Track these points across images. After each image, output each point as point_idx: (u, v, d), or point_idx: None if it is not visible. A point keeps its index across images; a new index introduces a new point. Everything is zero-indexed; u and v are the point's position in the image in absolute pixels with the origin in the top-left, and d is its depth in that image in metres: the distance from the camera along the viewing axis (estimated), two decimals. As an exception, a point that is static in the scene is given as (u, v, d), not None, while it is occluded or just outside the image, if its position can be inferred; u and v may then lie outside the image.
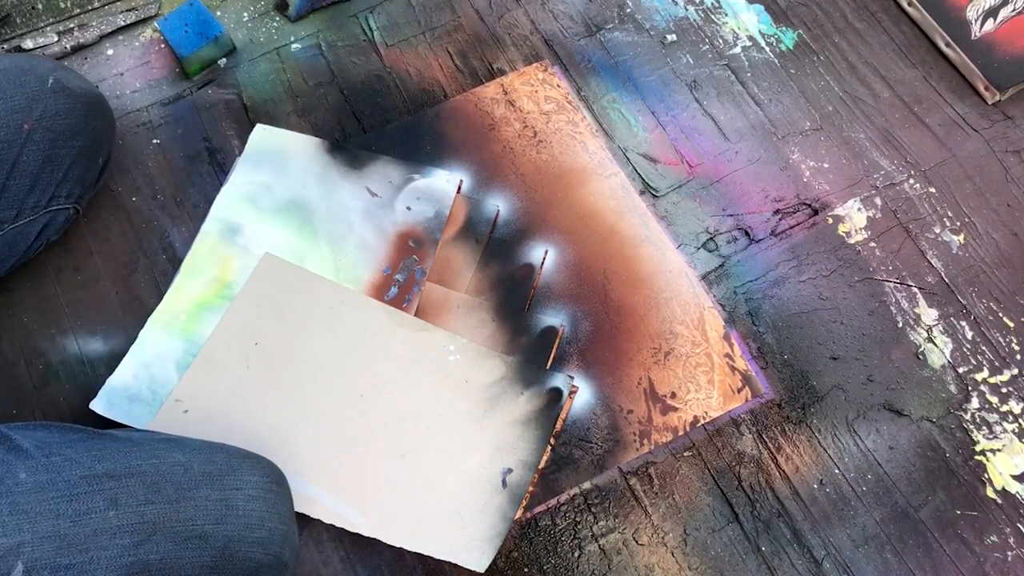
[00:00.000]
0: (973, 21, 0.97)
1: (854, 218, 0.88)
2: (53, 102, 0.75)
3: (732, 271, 0.85)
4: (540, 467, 0.76)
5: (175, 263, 0.83)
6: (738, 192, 0.89)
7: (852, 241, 0.87)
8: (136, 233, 0.86)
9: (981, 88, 0.95)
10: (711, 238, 0.87)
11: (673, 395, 0.79)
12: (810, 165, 0.91)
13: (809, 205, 0.89)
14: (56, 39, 0.93)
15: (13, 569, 0.51)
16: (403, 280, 0.83)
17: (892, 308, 0.84)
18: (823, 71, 0.97)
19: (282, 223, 0.85)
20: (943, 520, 0.76)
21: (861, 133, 0.93)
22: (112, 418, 0.75)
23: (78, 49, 0.94)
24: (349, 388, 0.77)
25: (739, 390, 0.79)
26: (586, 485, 0.76)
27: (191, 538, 0.56)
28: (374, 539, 0.73)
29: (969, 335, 0.83)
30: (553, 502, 0.75)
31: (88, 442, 0.58)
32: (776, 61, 0.97)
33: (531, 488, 0.75)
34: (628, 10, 1.00)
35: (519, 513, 0.74)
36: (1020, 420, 0.80)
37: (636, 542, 0.74)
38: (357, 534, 0.72)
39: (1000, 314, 0.84)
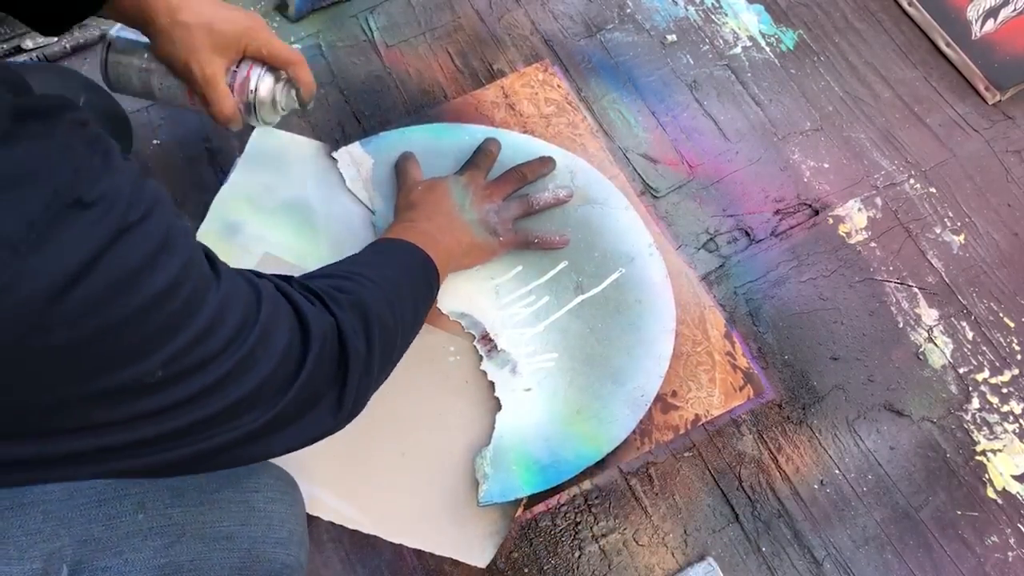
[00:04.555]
0: (973, 21, 0.97)
1: (854, 218, 0.88)
2: None
3: (732, 271, 0.85)
4: (540, 467, 0.76)
5: (175, 263, 0.83)
6: (738, 192, 0.89)
7: (852, 241, 0.87)
8: (136, 233, 0.86)
9: (981, 88, 0.95)
10: (711, 238, 0.87)
11: (674, 394, 0.79)
12: (810, 165, 0.91)
13: (809, 205, 0.89)
14: (56, 39, 0.93)
15: (60, 572, 0.52)
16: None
17: (893, 308, 0.84)
18: (823, 71, 0.97)
19: (282, 223, 0.85)
20: (944, 520, 0.75)
21: (861, 133, 0.93)
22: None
23: (78, 49, 0.94)
24: (349, 388, 0.77)
25: (741, 388, 0.79)
26: (586, 485, 0.76)
27: (219, 539, 0.57)
28: (374, 540, 0.72)
29: (970, 335, 0.83)
30: (553, 502, 0.75)
31: None
32: (776, 61, 0.97)
33: (531, 488, 0.76)
34: (628, 10, 1.00)
35: (519, 511, 0.74)
36: (1021, 420, 0.80)
37: (636, 542, 0.74)
38: (357, 535, 0.72)
39: (1001, 314, 0.84)
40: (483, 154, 0.86)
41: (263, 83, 0.71)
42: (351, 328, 0.54)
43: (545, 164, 0.86)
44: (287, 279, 0.55)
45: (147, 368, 0.39)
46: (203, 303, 0.42)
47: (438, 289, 0.71)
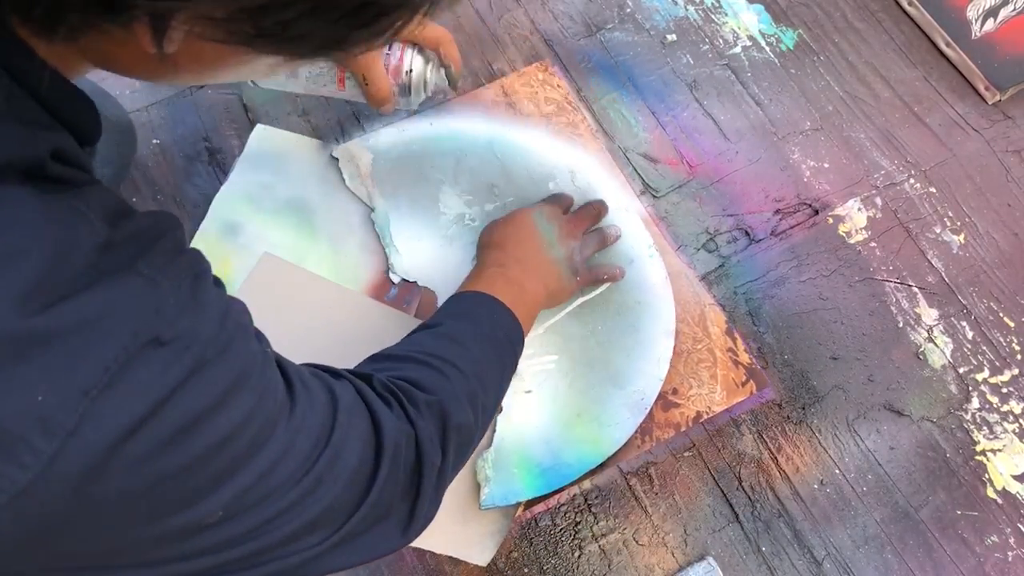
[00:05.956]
0: (973, 21, 0.97)
1: (854, 218, 0.88)
2: None
3: (732, 271, 0.85)
4: (540, 467, 0.76)
5: (175, 263, 0.83)
6: (738, 192, 0.89)
7: (852, 241, 0.87)
8: (136, 233, 0.86)
9: (981, 88, 0.95)
10: (711, 238, 0.87)
11: (675, 391, 0.79)
12: (810, 165, 0.91)
13: (809, 205, 0.89)
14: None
15: None
16: (403, 281, 0.83)
17: (892, 308, 0.84)
18: (823, 71, 0.97)
19: (282, 223, 0.85)
20: (943, 520, 0.75)
21: (861, 133, 0.93)
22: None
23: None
24: (349, 388, 0.77)
25: (743, 384, 0.79)
26: (586, 485, 0.76)
27: None
28: (374, 539, 0.72)
29: (970, 335, 0.83)
30: (553, 502, 0.75)
31: None
32: (776, 61, 0.97)
33: (531, 488, 0.76)
34: (628, 10, 1.00)
35: (520, 511, 0.74)
36: (1021, 420, 0.80)
37: (636, 542, 0.74)
38: (357, 534, 0.72)
39: (1000, 314, 0.84)
40: (560, 195, 0.84)
41: (416, 64, 0.71)
42: (428, 437, 0.51)
43: (604, 205, 0.85)
44: (367, 376, 0.52)
45: (207, 511, 0.37)
46: (271, 437, 0.39)
47: (521, 353, 0.68)
